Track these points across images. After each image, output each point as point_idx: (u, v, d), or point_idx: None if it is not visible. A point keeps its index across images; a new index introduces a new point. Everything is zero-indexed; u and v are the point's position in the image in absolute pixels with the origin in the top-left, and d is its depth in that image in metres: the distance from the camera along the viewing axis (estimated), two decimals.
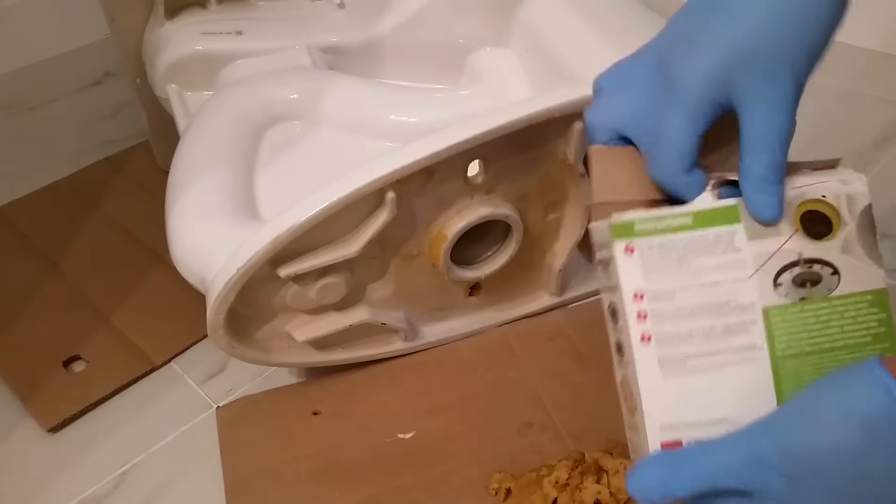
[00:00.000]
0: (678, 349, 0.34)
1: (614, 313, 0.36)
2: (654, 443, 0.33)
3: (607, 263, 0.35)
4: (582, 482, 0.49)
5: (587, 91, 0.50)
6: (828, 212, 0.35)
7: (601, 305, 0.37)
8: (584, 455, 0.52)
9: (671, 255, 0.34)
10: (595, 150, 0.37)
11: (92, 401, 0.60)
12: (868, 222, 0.35)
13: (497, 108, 0.49)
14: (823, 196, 0.35)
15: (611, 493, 0.49)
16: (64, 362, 0.63)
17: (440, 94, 0.70)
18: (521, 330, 0.63)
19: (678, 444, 0.33)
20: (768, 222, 0.34)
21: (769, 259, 0.34)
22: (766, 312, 0.34)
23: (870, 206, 0.35)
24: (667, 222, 0.34)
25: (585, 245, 0.61)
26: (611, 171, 0.37)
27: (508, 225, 0.56)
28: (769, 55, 0.33)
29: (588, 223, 0.37)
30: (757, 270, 0.34)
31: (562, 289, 0.63)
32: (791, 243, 0.34)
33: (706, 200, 0.35)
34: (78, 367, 0.64)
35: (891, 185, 0.74)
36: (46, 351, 0.64)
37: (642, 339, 0.34)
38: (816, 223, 0.35)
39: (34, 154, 0.89)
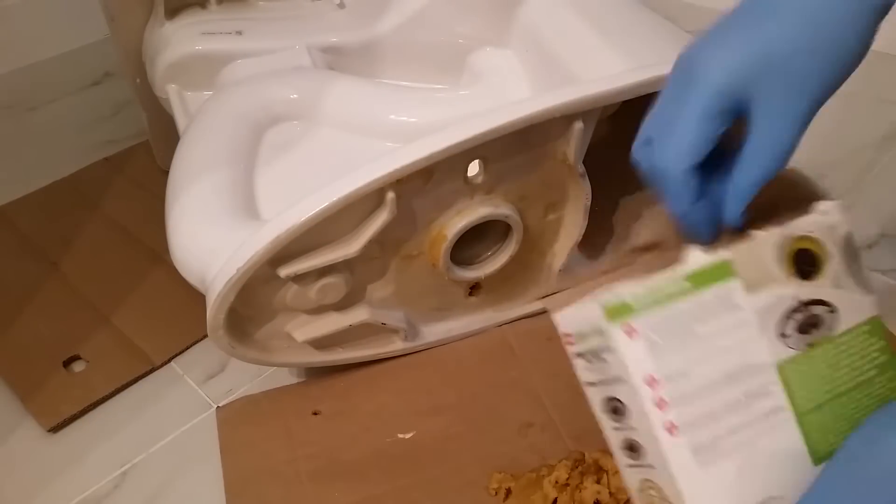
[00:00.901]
0: (708, 432, 0.31)
1: (616, 410, 0.33)
2: None
3: (596, 354, 0.32)
4: (582, 482, 0.49)
5: (587, 91, 0.51)
6: (815, 248, 0.34)
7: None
8: (584, 455, 0.52)
9: (677, 329, 0.31)
10: None
11: (92, 401, 0.60)
12: (851, 250, 0.34)
13: (497, 108, 0.49)
14: (810, 232, 0.34)
15: (611, 493, 0.49)
16: (64, 362, 0.63)
17: (440, 94, 0.70)
18: (521, 330, 0.63)
19: None
20: (732, 224, 0.33)
21: (770, 310, 0.32)
22: (781, 369, 0.32)
23: (850, 233, 0.34)
24: (664, 290, 0.31)
25: (585, 245, 0.61)
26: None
27: (508, 225, 0.56)
28: (793, 68, 0.32)
29: (554, 313, 0.34)
30: (762, 326, 0.32)
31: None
32: (788, 287, 0.33)
33: (698, 258, 0.32)
34: (78, 367, 0.63)
35: (891, 185, 0.74)
36: (46, 351, 0.64)
37: (669, 430, 0.30)
38: (807, 262, 0.34)
39: (34, 154, 0.89)
